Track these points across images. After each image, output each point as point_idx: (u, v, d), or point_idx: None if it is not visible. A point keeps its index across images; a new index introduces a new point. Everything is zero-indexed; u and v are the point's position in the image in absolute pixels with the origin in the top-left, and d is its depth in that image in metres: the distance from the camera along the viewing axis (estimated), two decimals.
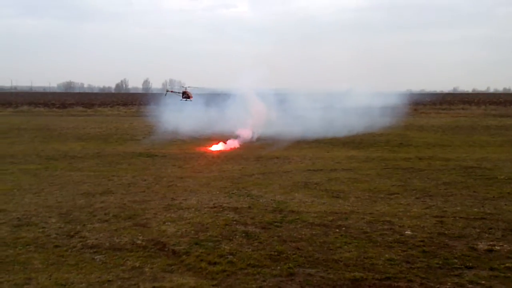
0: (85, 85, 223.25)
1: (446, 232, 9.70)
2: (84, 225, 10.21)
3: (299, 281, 7.35)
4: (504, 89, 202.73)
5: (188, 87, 28.07)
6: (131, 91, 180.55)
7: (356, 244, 8.98)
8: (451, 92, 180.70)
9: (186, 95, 28.01)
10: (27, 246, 8.88)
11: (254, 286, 7.15)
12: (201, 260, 8.13)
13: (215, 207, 11.69)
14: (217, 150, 22.56)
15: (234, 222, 10.37)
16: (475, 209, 11.42)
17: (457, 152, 21.67)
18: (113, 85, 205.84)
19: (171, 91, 29.00)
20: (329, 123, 28.51)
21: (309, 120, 28.68)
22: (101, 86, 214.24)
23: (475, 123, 38.64)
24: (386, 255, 8.37)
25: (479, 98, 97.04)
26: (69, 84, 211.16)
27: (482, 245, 8.90)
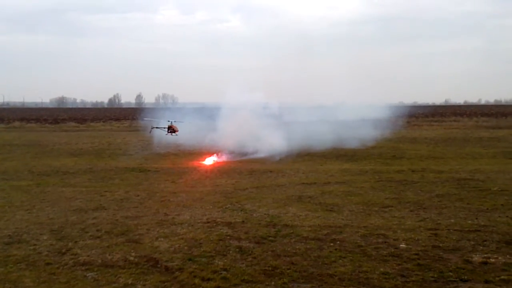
0: (78, 100, 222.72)
1: (441, 245, 9.68)
2: (76, 241, 10.09)
3: None
4: (495, 100, 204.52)
5: (174, 121, 28.32)
6: (124, 106, 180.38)
7: (351, 258, 8.93)
8: (443, 104, 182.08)
9: (171, 130, 28.28)
10: (18, 264, 8.76)
11: None
12: (195, 277, 8.05)
13: (208, 222, 11.61)
14: (210, 164, 22.51)
15: (228, 237, 10.30)
16: (469, 221, 11.42)
17: (450, 164, 21.74)
18: (106, 100, 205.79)
19: (156, 127, 29.27)
20: (321, 136, 28.52)
21: (302, 133, 28.69)
22: (94, 101, 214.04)
23: (467, 135, 38.86)
24: (381, 269, 8.33)
25: (470, 110, 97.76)
26: (61, 100, 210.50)
27: (476, 258, 8.88)
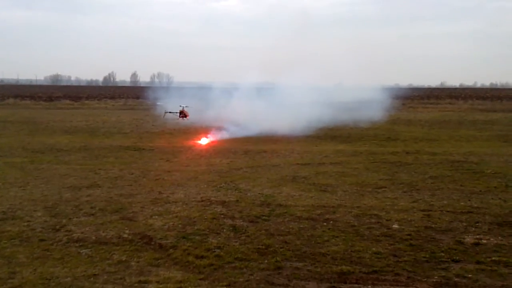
0: (73, 78, 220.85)
1: (433, 225, 9.75)
2: (70, 218, 10.09)
3: (287, 274, 7.34)
4: (491, 84, 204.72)
5: (186, 106, 28.92)
6: (119, 84, 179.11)
7: (344, 237, 8.99)
8: (439, 86, 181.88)
9: (183, 114, 29.00)
10: (12, 240, 8.76)
11: (241, 279, 7.12)
12: (188, 254, 8.08)
13: (202, 200, 11.63)
14: (205, 144, 22.47)
15: (222, 216, 10.33)
16: (462, 203, 11.50)
17: (444, 146, 21.80)
18: (100, 78, 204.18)
19: (170, 112, 29.89)
20: (317, 117, 28.49)
21: (298, 114, 28.63)
22: (89, 79, 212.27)
23: (462, 118, 38.94)
24: (373, 249, 8.39)
25: (466, 93, 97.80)
26: (56, 77, 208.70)
27: (469, 239, 8.96)
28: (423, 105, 59.03)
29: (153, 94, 33.21)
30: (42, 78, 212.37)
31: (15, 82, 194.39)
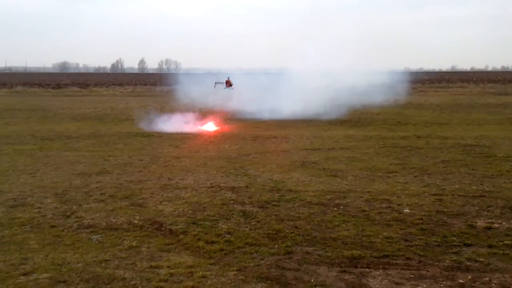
0: (80, 65, 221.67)
1: (445, 210, 9.65)
2: (80, 205, 10.13)
3: (297, 259, 7.30)
4: (503, 67, 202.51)
5: (229, 76, 29.69)
6: (127, 71, 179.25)
7: (354, 222, 8.93)
8: (450, 70, 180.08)
9: (229, 84, 29.61)
10: (23, 227, 8.81)
11: (252, 264, 7.10)
12: (199, 239, 8.07)
13: (212, 186, 11.61)
14: (213, 130, 22.42)
15: (232, 202, 10.30)
16: (474, 187, 11.37)
17: (456, 130, 21.60)
18: (108, 65, 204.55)
19: (218, 82, 30.48)
20: (328, 101, 28.32)
21: (307, 98, 28.49)
22: (96, 66, 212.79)
23: (473, 101, 38.52)
24: (384, 233, 8.32)
25: (477, 76, 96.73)
26: (64, 64, 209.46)
27: (480, 223, 8.86)
28: (434, 89, 58.49)
29: (174, 81, 33.18)
30: (50, 65, 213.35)
31: (24, 70, 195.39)
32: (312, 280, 6.62)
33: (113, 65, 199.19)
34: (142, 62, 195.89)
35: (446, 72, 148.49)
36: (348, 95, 29.72)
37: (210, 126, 23.13)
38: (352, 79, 31.67)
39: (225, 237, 8.19)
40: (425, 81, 72.66)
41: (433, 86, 64.17)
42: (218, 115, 24.96)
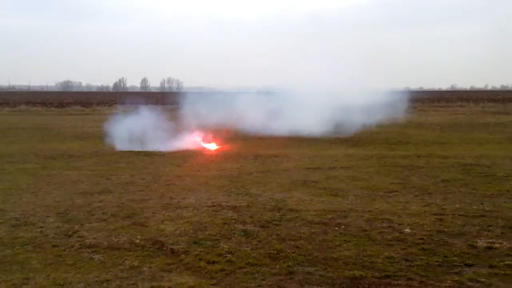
0: (83, 84, 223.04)
1: (446, 229, 9.68)
2: (82, 224, 10.16)
3: (299, 279, 7.32)
4: (502, 86, 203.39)
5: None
6: (129, 90, 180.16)
7: (355, 242, 8.95)
8: (449, 89, 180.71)
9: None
10: (25, 246, 8.84)
11: (253, 285, 7.11)
12: (200, 259, 8.09)
13: (213, 205, 11.65)
14: (215, 149, 22.54)
15: (233, 221, 10.33)
16: (474, 207, 11.40)
17: (456, 149, 21.66)
18: (111, 84, 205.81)
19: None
20: (328, 120, 28.50)
21: (308, 117, 28.67)
22: (99, 85, 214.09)
23: (473, 121, 38.65)
24: (386, 253, 8.34)
25: (477, 95, 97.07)
26: (67, 83, 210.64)
27: (481, 243, 8.88)
28: (434, 108, 58.68)
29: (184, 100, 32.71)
30: (53, 84, 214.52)
31: (27, 89, 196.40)
32: None
33: (115, 84, 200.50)
34: (144, 80, 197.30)
35: (446, 91, 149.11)
36: (349, 114, 29.91)
37: (212, 145, 23.25)
38: (352, 97, 31.90)
39: (226, 257, 8.21)
40: (425, 100, 72.90)
41: (433, 105, 64.39)
42: (219, 133, 25.06)
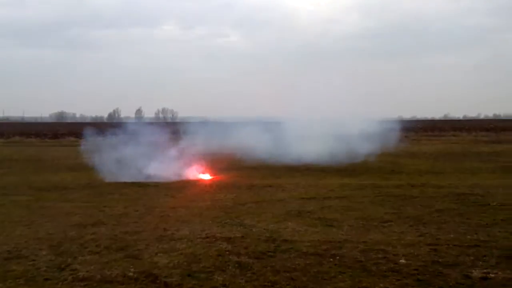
0: (77, 115, 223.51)
1: (440, 260, 9.66)
2: (75, 257, 10.06)
3: None
4: (494, 115, 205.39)
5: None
6: (124, 121, 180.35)
7: (350, 273, 8.91)
8: (442, 118, 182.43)
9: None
10: (17, 280, 8.73)
11: None
12: None
13: (207, 237, 11.59)
14: (209, 179, 22.54)
15: (227, 253, 10.27)
16: (469, 237, 11.40)
17: (449, 179, 21.75)
18: (105, 115, 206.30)
19: None
20: (322, 150, 28.64)
21: (302, 147, 28.83)
22: (94, 115, 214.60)
23: (466, 150, 38.91)
24: (381, 284, 8.30)
25: (470, 124, 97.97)
26: (61, 114, 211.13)
27: (476, 273, 8.86)
28: (427, 137, 59.16)
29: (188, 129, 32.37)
30: (47, 115, 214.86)
31: (21, 120, 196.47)
32: None
33: (110, 114, 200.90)
34: (139, 111, 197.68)
35: (439, 120, 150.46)
36: (343, 143, 30.11)
37: (206, 175, 23.25)
38: (346, 127, 32.18)
39: None
40: (418, 129, 73.54)
41: (426, 134, 64.98)
42: (213, 163, 25.08)
